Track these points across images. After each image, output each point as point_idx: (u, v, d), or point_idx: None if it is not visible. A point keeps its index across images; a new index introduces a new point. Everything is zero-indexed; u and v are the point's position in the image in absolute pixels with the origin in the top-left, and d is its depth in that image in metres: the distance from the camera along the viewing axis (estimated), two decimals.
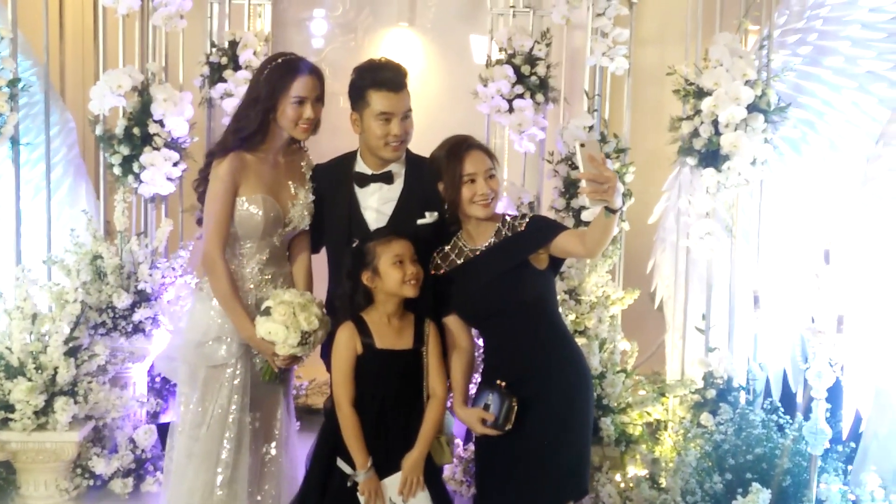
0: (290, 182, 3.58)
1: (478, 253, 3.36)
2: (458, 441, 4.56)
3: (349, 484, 3.29)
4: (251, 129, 3.46)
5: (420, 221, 3.53)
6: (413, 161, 3.62)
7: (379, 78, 3.48)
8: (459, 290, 3.38)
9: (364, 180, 3.59)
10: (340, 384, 3.31)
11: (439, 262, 3.43)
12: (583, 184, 2.95)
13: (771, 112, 4.64)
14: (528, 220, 3.37)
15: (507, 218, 3.39)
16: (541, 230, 3.32)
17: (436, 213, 3.52)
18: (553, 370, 3.28)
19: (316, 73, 3.51)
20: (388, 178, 3.58)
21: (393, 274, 3.26)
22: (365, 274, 3.29)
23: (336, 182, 3.64)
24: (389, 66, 3.53)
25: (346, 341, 3.31)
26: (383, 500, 3.27)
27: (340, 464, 3.32)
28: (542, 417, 3.23)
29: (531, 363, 3.28)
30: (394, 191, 3.59)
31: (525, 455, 3.24)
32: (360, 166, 3.61)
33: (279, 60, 3.50)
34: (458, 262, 3.39)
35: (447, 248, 3.44)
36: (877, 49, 4.78)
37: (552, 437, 3.24)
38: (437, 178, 3.36)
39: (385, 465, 3.28)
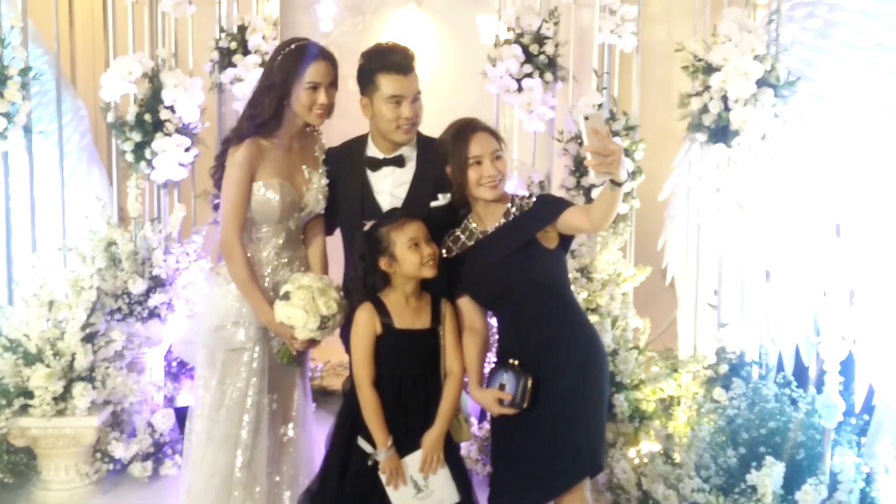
0: (304, 167, 3.60)
1: (487, 234, 3.38)
2: (473, 420, 4.59)
3: (370, 463, 3.31)
4: (266, 116, 3.48)
5: (433, 204, 3.54)
6: (424, 143, 3.62)
7: (387, 61, 3.49)
8: (470, 271, 3.40)
9: (376, 164, 3.61)
10: (361, 364, 3.33)
11: (450, 244, 3.44)
12: (588, 157, 2.96)
13: (780, 86, 4.63)
14: (535, 199, 3.39)
15: (516, 199, 3.40)
16: (547, 207, 3.33)
17: (449, 195, 3.52)
18: (566, 348, 3.30)
19: (329, 58, 3.52)
20: (399, 162, 3.60)
21: (410, 257, 3.28)
22: (382, 259, 3.31)
23: (348, 166, 3.66)
24: (397, 49, 3.53)
25: (366, 322, 3.33)
26: (404, 479, 3.30)
27: (361, 443, 3.34)
28: (556, 395, 3.25)
29: (544, 342, 3.29)
30: (406, 174, 3.61)
31: (540, 432, 3.26)
32: (372, 150, 3.63)
33: (292, 46, 3.51)
34: (469, 244, 3.41)
35: (458, 231, 3.45)
36: (887, 21, 4.74)
37: (566, 415, 3.26)
38: (444, 162, 3.38)
39: (405, 443, 3.31)
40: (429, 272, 3.30)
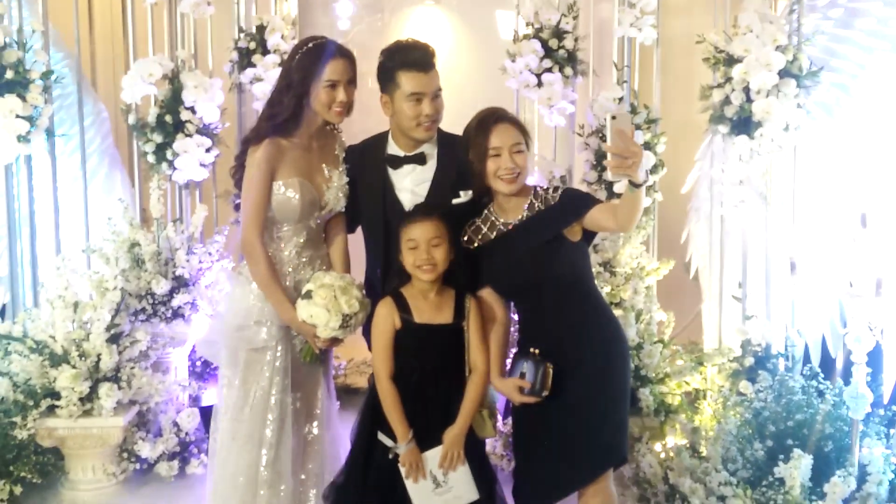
0: (323, 165, 3.60)
1: (510, 227, 3.37)
2: (500, 415, 4.58)
3: (390, 456, 3.32)
4: (285, 116, 3.48)
5: (455, 201, 3.53)
6: (445, 140, 3.62)
7: (408, 58, 3.48)
8: (493, 264, 3.38)
9: (397, 162, 3.61)
10: (380, 358, 3.34)
11: (471, 235, 3.43)
12: (609, 157, 2.94)
13: (803, 77, 4.60)
14: (560, 192, 3.36)
15: (539, 191, 3.37)
16: (574, 203, 3.30)
17: (470, 192, 3.51)
18: (588, 341, 3.28)
19: (347, 56, 3.52)
20: (420, 160, 3.59)
21: (408, 258, 3.31)
22: (399, 255, 3.35)
23: (369, 164, 3.66)
24: (417, 46, 3.53)
25: (385, 316, 3.34)
26: (424, 473, 3.30)
27: (381, 437, 3.35)
28: (578, 387, 3.24)
29: (566, 335, 3.28)
30: (427, 171, 3.60)
31: (562, 425, 3.26)
32: (393, 148, 3.63)
33: (310, 45, 3.51)
34: (491, 235, 3.39)
35: (479, 220, 3.43)
36: None
37: (589, 406, 3.25)
38: (466, 150, 3.35)
39: (426, 438, 3.30)
40: (422, 275, 3.31)
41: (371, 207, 3.66)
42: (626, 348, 3.41)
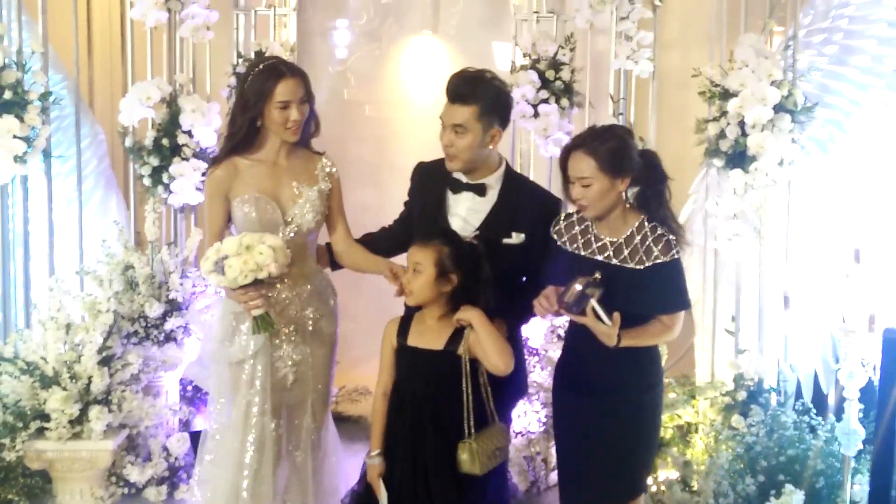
0: (294, 182, 3.63)
1: (602, 244, 3.30)
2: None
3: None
4: (241, 136, 3.55)
5: (505, 241, 3.50)
6: (511, 177, 3.63)
7: (448, 86, 3.55)
8: (565, 276, 3.28)
9: (458, 187, 3.60)
10: (379, 373, 3.45)
11: (562, 227, 3.41)
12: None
13: (798, 112, 4.63)
14: (667, 259, 3.24)
15: (646, 225, 3.29)
16: (658, 301, 3.27)
17: (523, 235, 3.50)
18: (626, 376, 3.31)
19: (299, 75, 3.55)
20: (480, 190, 3.57)
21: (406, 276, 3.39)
22: None
23: (433, 182, 3.67)
24: (457, 76, 3.58)
25: (387, 335, 3.45)
26: (378, 491, 3.34)
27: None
28: (610, 422, 3.30)
29: (609, 362, 3.27)
30: (485, 204, 3.57)
31: (589, 454, 3.34)
32: (457, 172, 3.61)
33: (260, 66, 3.56)
34: (580, 242, 3.35)
35: (575, 217, 3.40)
36: None
37: (616, 438, 3.31)
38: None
39: (390, 465, 3.36)
40: (407, 300, 3.37)
41: (423, 227, 3.63)
42: (654, 388, 3.41)
